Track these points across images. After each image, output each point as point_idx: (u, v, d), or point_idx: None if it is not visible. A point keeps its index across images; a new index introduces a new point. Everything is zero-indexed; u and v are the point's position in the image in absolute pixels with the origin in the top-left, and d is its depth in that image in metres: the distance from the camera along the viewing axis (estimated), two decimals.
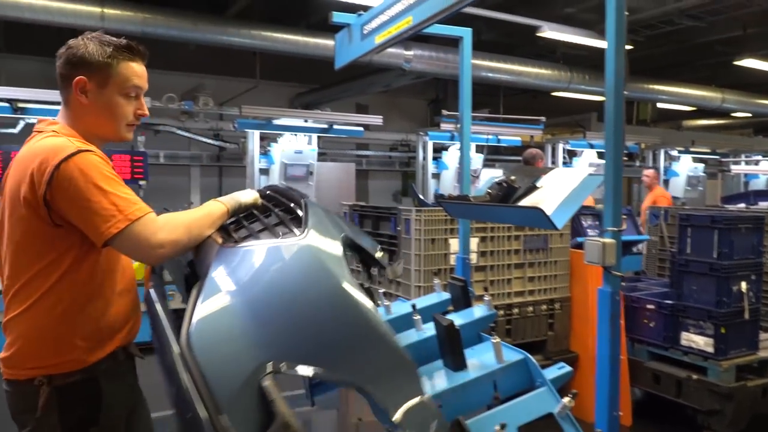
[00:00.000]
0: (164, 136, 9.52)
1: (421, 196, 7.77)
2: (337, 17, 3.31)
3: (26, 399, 1.68)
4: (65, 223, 1.67)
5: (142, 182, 8.03)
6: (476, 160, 8.61)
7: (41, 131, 1.79)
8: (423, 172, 8.85)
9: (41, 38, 10.00)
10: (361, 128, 7.81)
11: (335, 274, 1.47)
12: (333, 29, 8.62)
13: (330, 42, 8.17)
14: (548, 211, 2.17)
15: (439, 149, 8.98)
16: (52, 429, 1.68)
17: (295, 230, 1.60)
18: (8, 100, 5.54)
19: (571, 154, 9.55)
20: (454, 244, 4.04)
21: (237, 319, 1.37)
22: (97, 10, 6.72)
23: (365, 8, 3.38)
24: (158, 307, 1.63)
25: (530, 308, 4.34)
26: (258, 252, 1.55)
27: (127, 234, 1.62)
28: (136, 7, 7.01)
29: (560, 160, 9.31)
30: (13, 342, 1.71)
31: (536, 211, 2.18)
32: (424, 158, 8.88)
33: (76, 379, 1.71)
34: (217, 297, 1.43)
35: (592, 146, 9.30)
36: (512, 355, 2.09)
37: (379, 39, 2.95)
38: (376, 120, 7.55)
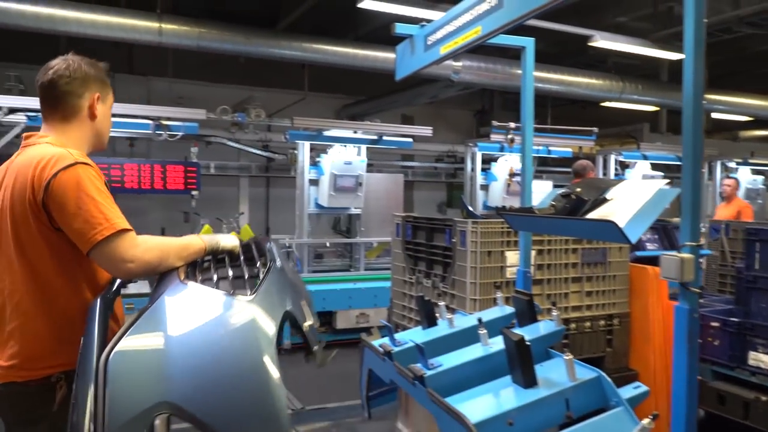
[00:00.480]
0: (215, 147, 9.73)
1: (470, 208, 7.70)
2: (400, 28, 3.32)
3: (42, 396, 1.75)
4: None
5: (194, 192, 8.20)
6: None
7: (34, 144, 1.88)
8: (471, 184, 8.79)
9: (99, 53, 10.41)
10: (410, 139, 7.80)
11: (260, 346, 1.48)
12: (380, 41, 8.81)
13: (378, 53, 8.23)
14: (621, 224, 2.11)
15: (487, 160, 8.90)
16: (60, 417, 1.70)
17: (248, 291, 1.62)
18: None
19: (623, 166, 9.33)
20: (511, 256, 3.98)
21: (157, 354, 1.43)
22: (155, 25, 6.93)
23: (418, 20, 3.38)
24: (95, 320, 1.64)
25: (588, 323, 4.23)
26: (203, 298, 1.61)
27: (108, 243, 1.71)
28: (192, 22, 7.20)
29: (612, 171, 9.10)
30: (35, 339, 1.77)
31: (608, 224, 2.13)
32: (473, 169, 8.82)
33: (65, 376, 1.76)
34: (150, 328, 1.50)
35: (645, 157, 9.06)
36: (585, 372, 2.04)
37: (444, 50, 2.94)
38: (426, 131, 7.54)
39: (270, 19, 8.36)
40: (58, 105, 1.92)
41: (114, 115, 5.05)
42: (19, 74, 7.89)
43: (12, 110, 5.36)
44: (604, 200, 2.37)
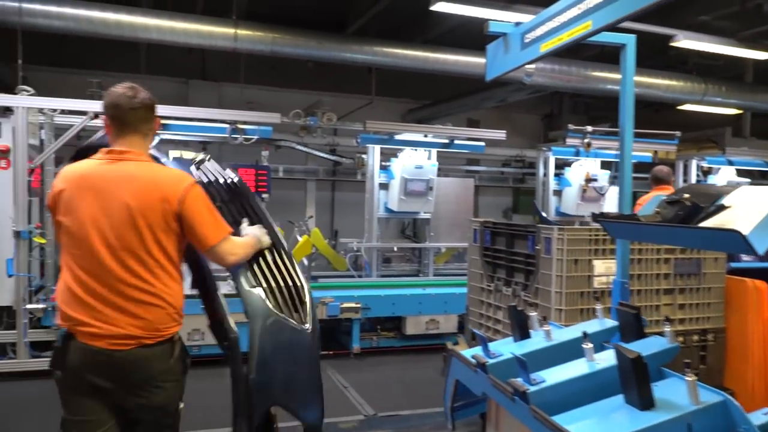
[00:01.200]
0: (283, 151, 9.88)
1: (543, 214, 7.49)
2: (494, 27, 3.22)
3: (164, 353, 2.33)
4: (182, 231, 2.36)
5: (264, 195, 8.31)
6: (602, 176, 8.21)
7: (137, 159, 2.36)
8: (543, 189, 8.54)
9: (174, 60, 10.75)
10: (482, 143, 7.65)
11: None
12: (450, 44, 8.71)
13: (449, 56, 8.12)
14: (745, 232, 1.94)
15: (560, 165, 8.64)
16: (178, 370, 2.40)
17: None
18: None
19: (705, 172, 8.87)
20: (599, 265, 3.80)
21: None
22: (231, 31, 7.06)
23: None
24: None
25: (680, 338, 3.98)
26: None
27: (222, 244, 2.38)
28: (267, 27, 7.30)
29: (693, 177, 8.66)
30: (157, 310, 2.30)
31: (731, 234, 1.96)
32: (545, 174, 8.57)
33: (179, 336, 2.43)
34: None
35: (731, 163, 8.58)
36: (709, 395, 1.87)
37: (545, 47, 2.82)
38: (498, 134, 7.38)
39: (338, 24, 8.38)
40: (140, 126, 2.40)
41: (190, 119, 5.27)
42: (100, 81, 8.20)
43: (98, 114, 5.54)
44: (722, 207, 2.19)
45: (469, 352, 2.60)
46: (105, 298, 2.23)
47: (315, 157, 11.12)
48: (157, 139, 9.44)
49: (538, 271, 3.94)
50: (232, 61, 10.74)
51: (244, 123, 6.09)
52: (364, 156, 9.87)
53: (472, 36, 9.11)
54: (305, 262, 6.20)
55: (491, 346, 2.58)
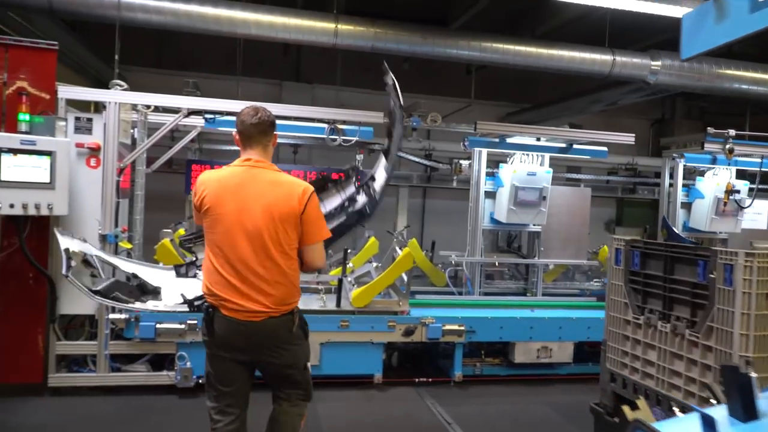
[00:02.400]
0: (374, 155, 9.41)
1: (675, 230, 6.53)
2: None
3: (287, 323, 2.89)
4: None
5: None
6: (741, 187, 7.13)
7: (267, 168, 2.92)
8: (669, 201, 7.53)
9: (269, 62, 10.51)
10: (605, 149, 6.79)
11: None
12: (564, 39, 7.89)
13: (564, 52, 7.31)
14: None
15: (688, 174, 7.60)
16: (300, 336, 2.97)
17: None
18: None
19: None
20: None
21: None
22: (331, 26, 6.60)
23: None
24: None
25: None
26: None
27: (320, 242, 2.99)
28: (368, 22, 6.78)
29: None
30: (283, 288, 2.87)
31: None
32: (671, 185, 7.55)
33: (298, 308, 2.99)
34: None
35: None
36: None
37: None
38: (627, 138, 6.47)
39: (438, 20, 7.74)
40: (260, 139, 2.94)
41: (285, 118, 5.44)
42: (196, 81, 7.97)
43: (191, 112, 5.20)
44: None
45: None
46: (245, 280, 2.80)
47: (407, 163, 10.59)
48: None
49: (712, 305, 3.12)
50: (326, 63, 10.40)
51: (344, 123, 5.57)
52: (462, 161, 9.24)
53: (584, 31, 8.33)
54: (404, 277, 5.57)
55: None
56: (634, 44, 8.28)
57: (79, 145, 4.98)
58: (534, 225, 6.77)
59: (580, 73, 7.54)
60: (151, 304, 4.64)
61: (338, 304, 5.43)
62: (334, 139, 5.59)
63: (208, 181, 2.91)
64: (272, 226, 2.83)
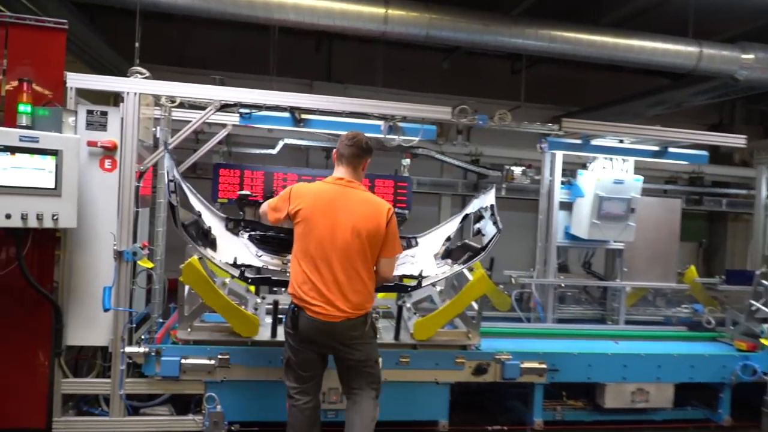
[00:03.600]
0: (416, 161, 8.56)
1: None
2: None
3: (360, 323, 3.42)
4: None
5: (405, 211, 6.93)
6: None
7: (357, 188, 3.50)
8: (766, 215, 6.53)
9: (300, 61, 9.71)
10: (704, 152, 5.82)
11: None
12: (635, 27, 6.96)
13: (645, 43, 6.39)
14: None
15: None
16: (371, 335, 3.55)
17: None
18: (293, 109, 4.61)
19: None
20: None
21: None
22: (381, 11, 5.76)
23: None
24: None
25: None
26: None
27: (394, 258, 3.58)
28: (422, 7, 5.92)
29: None
30: (362, 295, 3.40)
31: None
32: None
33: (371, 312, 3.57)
34: None
35: None
36: None
37: None
38: (737, 141, 5.50)
39: (489, 6, 6.83)
40: (352, 160, 3.49)
41: (332, 113, 4.61)
42: (222, 78, 7.16)
43: (225, 105, 4.33)
44: None
45: None
46: (330, 287, 3.32)
47: (449, 168, 9.70)
48: (281, 143, 8.37)
49: None
50: (359, 62, 9.60)
51: (404, 119, 4.67)
52: (514, 168, 8.35)
53: (659, 20, 7.39)
54: (474, 304, 4.66)
55: None
56: (715, 35, 7.32)
57: (91, 144, 4.14)
58: (614, 241, 5.82)
59: (662, 67, 6.63)
60: (210, 254, 3.96)
61: (396, 336, 4.52)
62: (393, 140, 4.69)
63: (305, 194, 3.44)
64: (359, 241, 3.33)
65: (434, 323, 4.52)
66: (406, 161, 7.09)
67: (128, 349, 4.12)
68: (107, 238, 4.13)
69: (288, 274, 3.65)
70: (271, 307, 4.52)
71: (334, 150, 3.52)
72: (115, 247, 4.10)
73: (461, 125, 8.91)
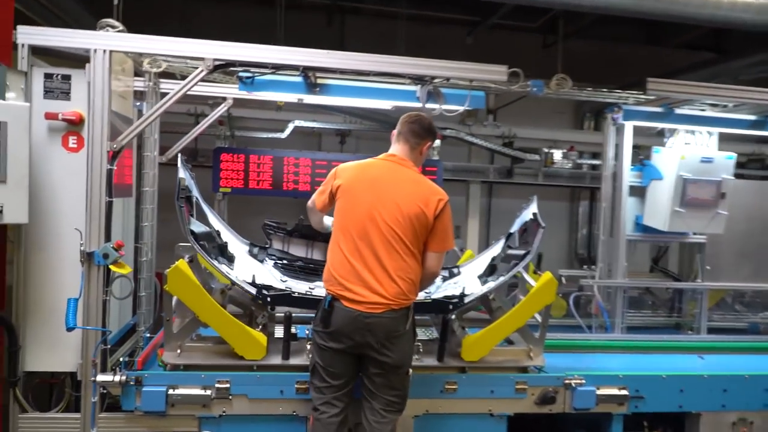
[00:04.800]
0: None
1: None
2: None
3: (402, 318, 3.01)
4: None
5: None
6: None
7: (410, 167, 3.14)
8: None
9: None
10: None
11: None
12: None
13: None
14: None
15: None
16: (411, 336, 3.11)
17: None
18: (307, 70, 3.60)
19: None
20: None
21: None
22: None
23: None
24: None
25: None
26: None
27: (443, 254, 3.15)
28: None
29: None
30: (406, 283, 3.00)
31: None
32: None
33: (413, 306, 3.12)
34: None
35: None
36: None
37: None
38: None
39: None
40: (414, 140, 3.15)
41: (357, 74, 3.66)
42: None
43: (218, 66, 3.36)
44: None
45: None
46: (372, 269, 2.95)
47: (478, 153, 8.70)
48: (291, 126, 7.44)
49: None
50: (375, 39, 8.57)
51: (446, 82, 3.68)
52: (554, 151, 7.39)
53: None
54: (537, 316, 3.70)
55: None
56: None
57: (50, 117, 3.24)
58: (694, 234, 4.82)
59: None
60: (225, 269, 3.39)
61: (441, 356, 3.57)
62: (434, 109, 3.71)
63: (348, 168, 3.15)
64: (404, 222, 2.98)
65: (489, 340, 3.57)
66: (438, 142, 6.12)
67: (100, 378, 3.20)
68: (71, 236, 3.21)
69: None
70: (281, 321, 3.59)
71: (393, 131, 3.19)
72: (82, 248, 3.17)
73: (492, 104, 8.05)
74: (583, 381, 3.72)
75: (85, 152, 3.25)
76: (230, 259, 3.63)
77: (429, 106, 3.71)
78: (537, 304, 3.59)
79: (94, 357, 3.22)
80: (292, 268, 3.91)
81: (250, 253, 3.99)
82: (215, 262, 3.36)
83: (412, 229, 2.97)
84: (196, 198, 3.66)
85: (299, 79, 3.67)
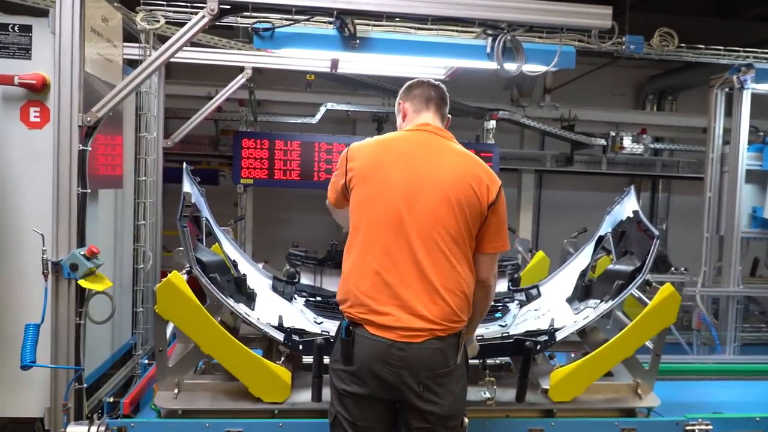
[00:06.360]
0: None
1: None
2: None
3: (453, 350, 2.13)
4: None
5: None
6: None
7: (451, 139, 2.27)
8: None
9: None
10: None
11: None
12: None
13: None
14: None
15: None
16: (464, 372, 2.22)
17: None
18: (342, 15, 2.72)
19: None
20: None
21: None
22: None
23: None
24: None
25: None
26: None
27: (499, 254, 2.26)
28: None
29: None
30: (457, 298, 2.11)
31: None
32: None
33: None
34: None
35: None
36: None
37: None
38: None
39: None
40: (445, 108, 2.34)
41: (394, 16, 2.71)
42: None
43: (223, 12, 2.53)
44: None
45: None
46: (409, 282, 2.08)
47: (532, 139, 7.79)
48: (323, 110, 6.61)
49: None
50: None
51: (529, 31, 2.76)
52: (623, 135, 6.44)
53: None
54: (648, 344, 2.80)
55: None
56: None
57: (5, 81, 2.46)
58: None
59: None
60: (243, 309, 2.68)
61: (521, 396, 2.68)
62: (509, 68, 2.80)
63: (364, 145, 2.26)
64: (453, 211, 2.12)
65: (586, 374, 2.68)
66: (491, 123, 5.21)
67: (72, 429, 2.41)
68: (30, 239, 2.42)
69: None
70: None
71: (400, 99, 2.35)
72: (44, 256, 2.38)
73: (549, 82, 7.10)
74: (710, 427, 2.80)
75: (52, 129, 2.45)
76: (250, 297, 2.88)
77: (507, 66, 2.81)
78: (654, 326, 2.68)
79: (65, 400, 2.43)
80: (328, 305, 3.19)
81: (275, 288, 3.24)
82: (230, 301, 2.58)
83: (464, 220, 2.12)
84: (206, 219, 2.94)
85: (333, 30, 2.80)
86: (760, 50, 3.45)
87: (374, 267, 2.10)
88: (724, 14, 8.67)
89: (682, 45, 3.44)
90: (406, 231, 2.09)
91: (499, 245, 2.22)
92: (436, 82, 2.35)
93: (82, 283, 2.34)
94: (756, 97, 3.83)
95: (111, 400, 2.69)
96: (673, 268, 4.74)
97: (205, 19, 2.50)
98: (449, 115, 2.35)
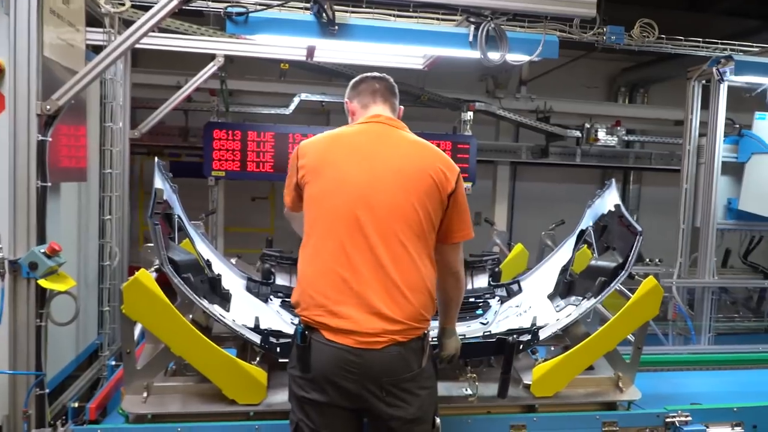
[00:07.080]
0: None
1: None
2: None
3: (416, 352, 2.02)
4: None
5: (466, 184, 5.05)
6: None
7: (404, 129, 2.18)
8: None
9: None
10: None
11: None
12: None
13: None
14: None
15: None
16: (432, 374, 2.11)
17: None
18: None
19: None
20: None
21: None
22: None
23: None
24: None
25: None
26: None
27: (462, 243, 2.19)
28: None
29: None
30: (419, 295, 2.01)
31: None
32: None
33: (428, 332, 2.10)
34: None
35: None
36: None
37: None
38: None
39: None
40: (394, 99, 2.25)
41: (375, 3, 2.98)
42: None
43: None
44: None
45: None
46: (367, 280, 1.96)
47: (507, 129, 7.77)
48: (296, 100, 6.47)
49: None
50: None
51: (512, 19, 2.68)
52: (597, 126, 6.46)
53: None
54: (630, 337, 2.78)
55: None
56: None
57: None
58: None
59: None
60: (218, 311, 2.55)
61: (502, 392, 2.63)
62: (492, 58, 2.72)
63: (314, 141, 2.16)
64: (413, 204, 2.02)
65: (569, 369, 2.65)
66: (469, 114, 5.15)
67: None
68: None
69: None
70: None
71: (347, 98, 2.30)
72: (1, 255, 2.23)
73: (525, 74, 7.07)
74: (689, 418, 2.79)
75: (7, 117, 2.30)
76: (225, 297, 2.76)
77: (490, 55, 2.73)
78: (636, 319, 2.67)
79: (25, 407, 2.29)
80: None
81: (249, 289, 3.13)
82: (204, 302, 2.46)
83: (425, 213, 2.03)
84: (179, 217, 2.80)
85: (310, 16, 2.69)
86: (737, 43, 3.46)
87: (330, 265, 1.99)
88: (698, 7, 8.79)
89: (662, 36, 3.40)
90: (363, 226, 2.00)
91: (464, 234, 2.16)
92: (381, 75, 2.28)
93: (43, 282, 2.21)
94: (731, 90, 3.85)
95: (76, 405, 2.54)
96: (647, 260, 4.76)
97: (174, 2, 2.37)
98: (401, 106, 2.28)
